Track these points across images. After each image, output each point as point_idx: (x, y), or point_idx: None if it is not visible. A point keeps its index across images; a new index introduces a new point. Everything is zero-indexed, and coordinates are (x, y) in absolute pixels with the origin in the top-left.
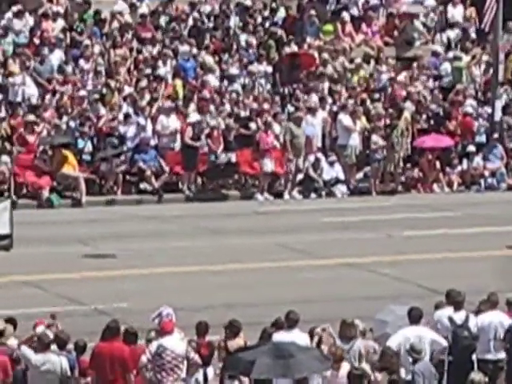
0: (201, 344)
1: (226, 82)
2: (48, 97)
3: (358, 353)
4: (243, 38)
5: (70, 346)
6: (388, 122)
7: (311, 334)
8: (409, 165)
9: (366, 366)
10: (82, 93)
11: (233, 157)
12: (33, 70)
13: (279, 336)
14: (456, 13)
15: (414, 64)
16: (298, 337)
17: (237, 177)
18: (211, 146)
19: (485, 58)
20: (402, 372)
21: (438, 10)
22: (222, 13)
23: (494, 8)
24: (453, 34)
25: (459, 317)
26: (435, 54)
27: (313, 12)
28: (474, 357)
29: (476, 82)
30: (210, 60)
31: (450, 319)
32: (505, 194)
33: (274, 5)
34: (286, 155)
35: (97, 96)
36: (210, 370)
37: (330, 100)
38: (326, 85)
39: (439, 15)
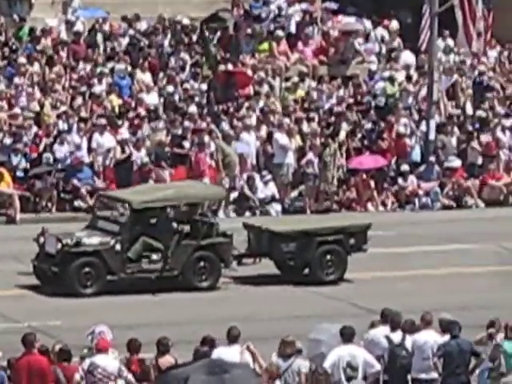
0: (131, 361)
1: (162, 100)
2: None
3: (296, 371)
4: (178, 56)
5: (4, 363)
6: (323, 140)
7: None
8: (344, 186)
9: None
10: (17, 110)
11: (166, 173)
12: None
13: (219, 351)
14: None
15: (350, 83)
16: (238, 353)
17: None
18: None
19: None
20: None
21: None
22: (158, 30)
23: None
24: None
25: (396, 336)
26: (370, 72)
27: (249, 30)
28: (408, 376)
29: (411, 100)
30: (145, 78)
31: (388, 338)
32: (438, 214)
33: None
34: (220, 173)
35: (31, 113)
36: None
37: (265, 118)
38: (262, 103)
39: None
